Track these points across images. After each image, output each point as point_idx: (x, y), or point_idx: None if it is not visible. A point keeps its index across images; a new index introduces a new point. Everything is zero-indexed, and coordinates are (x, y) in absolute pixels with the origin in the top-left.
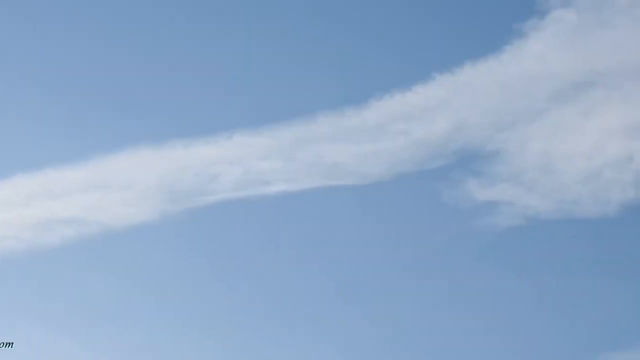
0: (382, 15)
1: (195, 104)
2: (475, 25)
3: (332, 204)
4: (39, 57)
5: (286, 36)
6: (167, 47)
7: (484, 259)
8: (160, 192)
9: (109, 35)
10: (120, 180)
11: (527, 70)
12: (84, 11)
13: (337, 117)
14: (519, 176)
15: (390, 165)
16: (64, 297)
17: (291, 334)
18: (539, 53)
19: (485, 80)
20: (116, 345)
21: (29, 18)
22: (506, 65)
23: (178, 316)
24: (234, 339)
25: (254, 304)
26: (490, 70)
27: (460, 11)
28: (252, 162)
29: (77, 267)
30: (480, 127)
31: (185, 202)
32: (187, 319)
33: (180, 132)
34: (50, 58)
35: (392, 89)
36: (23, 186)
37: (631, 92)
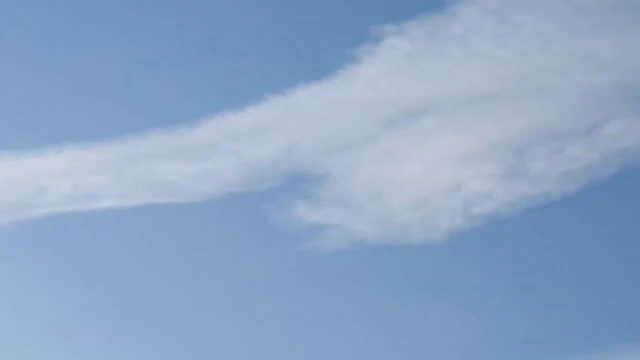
0: (215, 35)
1: (25, 117)
2: (309, 48)
3: (161, 221)
4: None
5: (121, 49)
6: None
7: (310, 281)
8: None
9: None
10: None
11: (360, 95)
12: None
13: (169, 135)
14: (348, 200)
15: (219, 184)
16: None
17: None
18: (371, 79)
19: (317, 104)
20: None
21: None
22: (339, 90)
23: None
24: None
25: (78, 315)
26: (323, 94)
27: (294, 34)
28: (81, 176)
29: None
30: (311, 150)
31: (13, 214)
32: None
33: (9, 144)
34: None
35: (225, 108)
36: None
37: (462, 120)
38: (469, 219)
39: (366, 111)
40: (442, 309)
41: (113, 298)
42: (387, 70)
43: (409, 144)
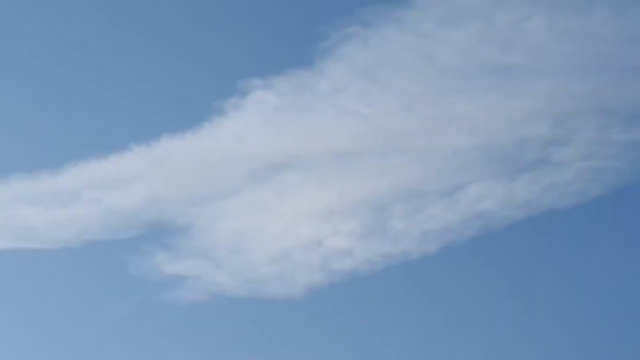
0: (82, 83)
1: None
2: (176, 100)
3: (21, 266)
4: None
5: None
6: None
7: (168, 332)
8: None
9: None
10: None
11: (225, 148)
12: None
13: (32, 181)
14: (209, 252)
15: (80, 231)
16: None
17: None
18: (237, 132)
19: (182, 155)
20: None
21: None
22: (204, 142)
23: None
24: None
25: None
26: (188, 146)
27: (161, 85)
28: None
29: None
30: (174, 201)
31: None
32: None
33: None
34: None
35: (89, 156)
36: None
37: (325, 177)
38: (328, 275)
39: (230, 164)
40: None
41: None
42: (252, 123)
43: (272, 198)
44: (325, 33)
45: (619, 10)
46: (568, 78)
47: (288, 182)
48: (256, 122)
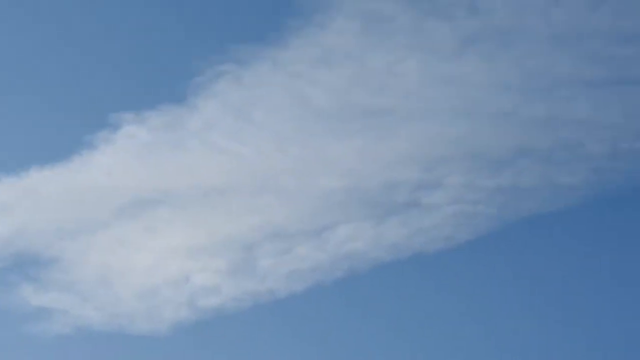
0: None
1: None
2: (46, 132)
3: None
4: None
5: None
6: None
7: None
8: None
9: None
10: None
11: (94, 181)
12: None
13: None
14: (76, 285)
15: None
16: None
17: None
18: (107, 166)
19: (50, 188)
20: None
21: None
22: (73, 175)
23: None
24: None
25: None
26: (57, 178)
27: (31, 118)
28: None
29: None
30: (42, 234)
31: None
32: None
33: None
34: None
35: None
36: None
37: (194, 213)
38: (195, 311)
39: (100, 198)
40: None
41: None
42: (123, 158)
43: (141, 233)
44: (199, 69)
45: (489, 58)
46: (438, 122)
47: (157, 218)
48: (127, 157)
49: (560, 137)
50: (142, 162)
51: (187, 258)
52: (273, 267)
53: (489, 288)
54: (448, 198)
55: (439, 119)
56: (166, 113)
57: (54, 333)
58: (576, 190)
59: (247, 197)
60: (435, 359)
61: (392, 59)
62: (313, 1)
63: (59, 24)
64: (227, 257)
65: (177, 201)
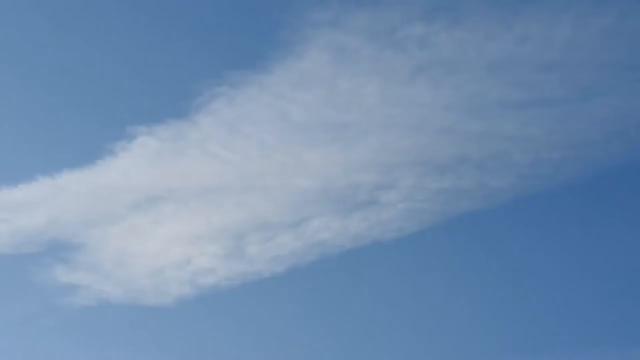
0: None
1: None
2: (76, 139)
3: None
4: None
5: None
6: None
7: (62, 331)
8: None
9: None
10: None
11: (113, 181)
12: None
13: None
14: (98, 266)
15: None
16: None
17: None
18: (124, 169)
19: (78, 186)
20: None
21: None
22: (97, 176)
23: None
24: None
25: None
26: (84, 179)
27: (63, 126)
28: None
29: None
30: (70, 224)
31: None
32: None
33: None
34: None
35: (1, 184)
36: None
37: (194, 208)
38: (195, 288)
39: (117, 195)
40: None
41: None
42: (137, 162)
43: (150, 224)
44: (200, 91)
45: (435, 83)
46: (393, 135)
47: (164, 212)
48: (140, 162)
49: (492, 149)
50: (152, 166)
51: (189, 244)
52: (259, 253)
53: (433, 271)
54: (400, 197)
55: (394, 132)
56: (172, 127)
57: (80, 305)
58: (504, 192)
59: (238, 194)
60: (386, 327)
61: (356, 83)
62: (292, 36)
63: (92, 52)
64: (221, 244)
65: (180, 198)
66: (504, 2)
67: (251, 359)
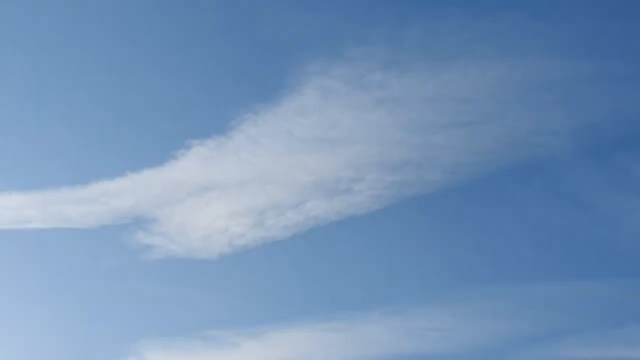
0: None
1: None
2: (151, 147)
3: (57, 243)
4: None
5: None
6: None
7: (143, 278)
8: None
9: None
10: None
11: (176, 177)
12: None
13: (81, 189)
14: (167, 233)
15: (98, 219)
16: None
17: None
18: (183, 169)
19: (154, 179)
20: None
21: None
22: (164, 174)
23: None
24: None
25: None
26: (158, 175)
27: (145, 137)
28: None
29: None
30: (149, 205)
31: None
32: None
33: None
34: None
35: (104, 177)
36: None
37: (231, 194)
38: (232, 247)
39: (180, 186)
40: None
41: None
42: (193, 164)
43: (202, 205)
44: (233, 116)
45: (390, 113)
46: (362, 146)
47: (211, 197)
48: (195, 164)
49: (427, 154)
50: (203, 166)
51: (227, 218)
52: (274, 224)
53: (390, 237)
54: (367, 187)
55: (363, 144)
56: (216, 140)
57: (154, 259)
58: (436, 184)
59: (259, 185)
60: (360, 276)
61: (337, 112)
62: (294, 80)
63: (170, 82)
64: (249, 218)
65: (222, 188)
66: (435, 57)
67: (269, 299)
